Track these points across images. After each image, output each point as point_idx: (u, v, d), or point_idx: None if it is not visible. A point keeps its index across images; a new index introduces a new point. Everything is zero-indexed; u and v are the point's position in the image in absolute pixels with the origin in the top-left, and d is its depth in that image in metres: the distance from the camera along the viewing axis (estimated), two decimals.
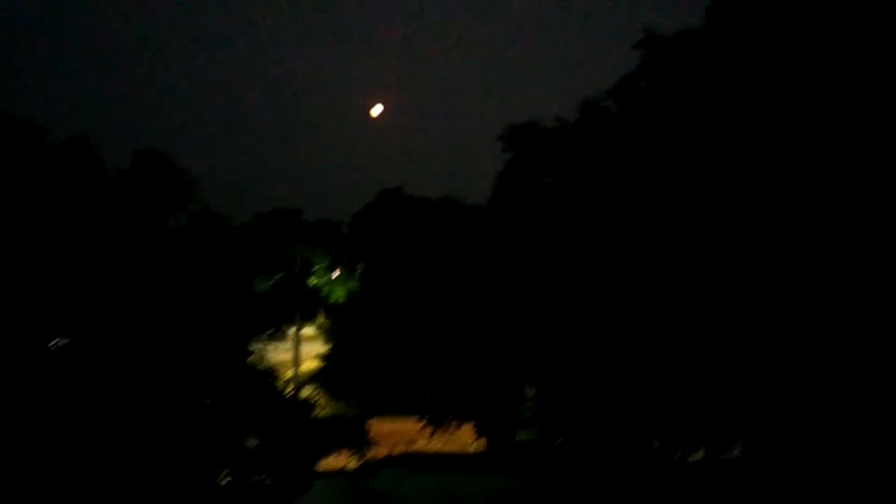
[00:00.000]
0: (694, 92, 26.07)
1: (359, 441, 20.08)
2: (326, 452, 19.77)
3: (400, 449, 37.59)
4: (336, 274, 74.91)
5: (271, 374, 21.66)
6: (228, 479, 20.01)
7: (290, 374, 49.36)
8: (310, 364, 63.63)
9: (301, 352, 64.40)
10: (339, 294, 72.35)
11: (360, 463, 32.15)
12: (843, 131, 21.97)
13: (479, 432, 32.60)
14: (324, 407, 26.71)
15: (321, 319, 73.40)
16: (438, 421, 33.69)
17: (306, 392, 27.27)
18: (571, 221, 27.98)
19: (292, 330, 63.92)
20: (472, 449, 38.17)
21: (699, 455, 22.57)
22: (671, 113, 27.25)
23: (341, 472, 32.55)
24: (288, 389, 23.84)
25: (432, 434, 34.70)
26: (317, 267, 72.29)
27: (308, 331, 71.49)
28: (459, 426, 34.66)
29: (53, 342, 20.03)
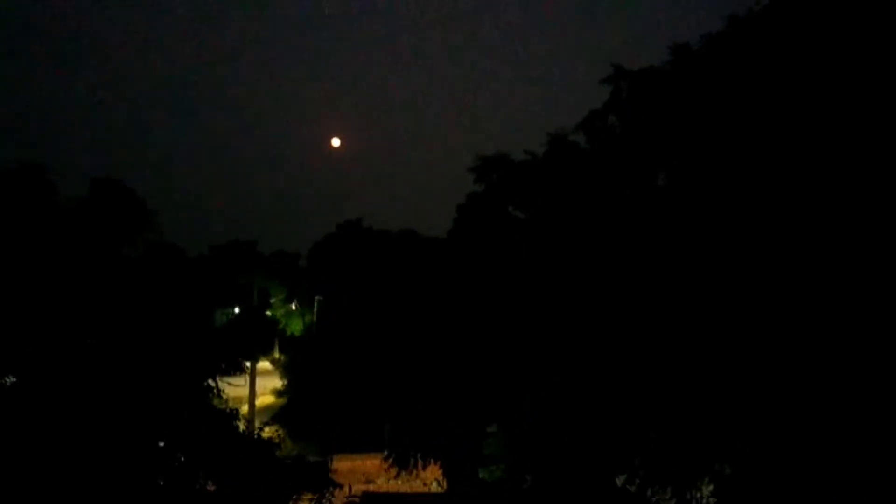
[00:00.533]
0: (659, 128, 26.10)
1: (323, 483, 19.08)
2: (290, 496, 18.74)
3: (359, 488, 36.50)
4: (293, 306, 73.79)
5: (231, 413, 20.58)
6: None
7: (245, 409, 47.81)
8: (266, 399, 61.99)
9: (256, 386, 62.68)
10: (296, 327, 71.25)
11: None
12: (802, 170, 22.19)
13: (445, 471, 31.98)
14: (285, 447, 25.63)
15: (277, 353, 71.93)
16: (403, 461, 32.95)
17: (267, 432, 26.15)
18: (539, 253, 27.70)
19: (248, 363, 62.25)
20: (433, 488, 37.36)
21: (668, 496, 21.95)
22: (637, 148, 27.20)
23: None
24: (247, 429, 22.79)
25: (397, 475, 33.94)
26: (274, 299, 71.18)
27: (264, 364, 69.85)
28: (424, 466, 33.98)
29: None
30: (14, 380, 18.86)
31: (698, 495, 21.79)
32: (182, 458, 19.69)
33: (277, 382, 63.01)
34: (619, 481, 23.49)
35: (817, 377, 18.85)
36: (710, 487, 21.32)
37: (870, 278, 18.58)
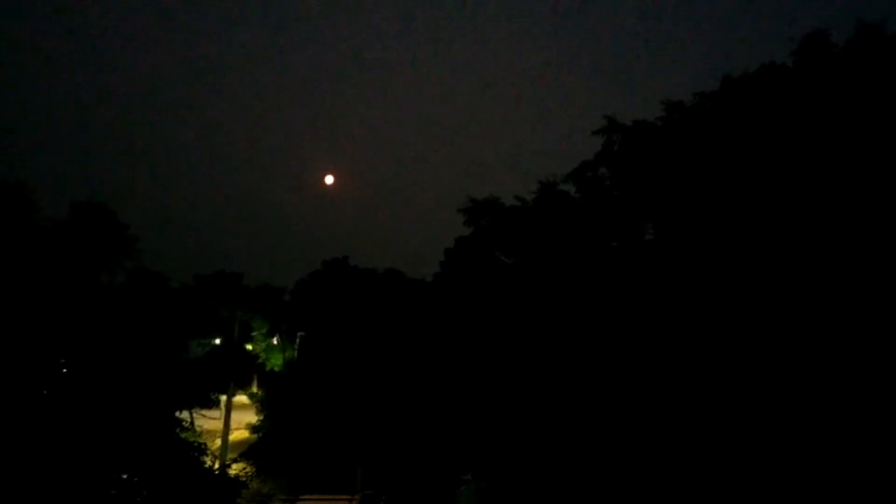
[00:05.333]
0: (650, 181, 25.96)
1: None
2: None
3: None
4: (275, 341, 72.76)
5: (199, 447, 19.72)
6: None
7: (218, 443, 46.50)
8: (240, 434, 60.48)
9: (231, 420, 61.25)
10: (276, 361, 70.16)
11: None
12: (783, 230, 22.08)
13: None
14: (252, 484, 24.67)
15: (255, 388, 70.57)
16: None
17: (235, 468, 25.19)
18: (524, 302, 27.33)
19: (224, 398, 60.94)
20: None
21: None
22: (627, 200, 27.06)
23: None
24: (216, 464, 21.88)
25: None
26: (256, 332, 70.22)
27: (241, 398, 68.40)
28: None
29: None
30: None
31: None
32: (144, 492, 18.77)
33: (254, 417, 61.52)
34: None
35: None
36: None
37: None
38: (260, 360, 67.90)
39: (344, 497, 37.81)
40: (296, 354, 63.01)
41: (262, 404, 61.39)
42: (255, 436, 55.98)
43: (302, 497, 37.01)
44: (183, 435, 21.52)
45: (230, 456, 41.87)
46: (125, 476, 19.58)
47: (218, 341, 64.44)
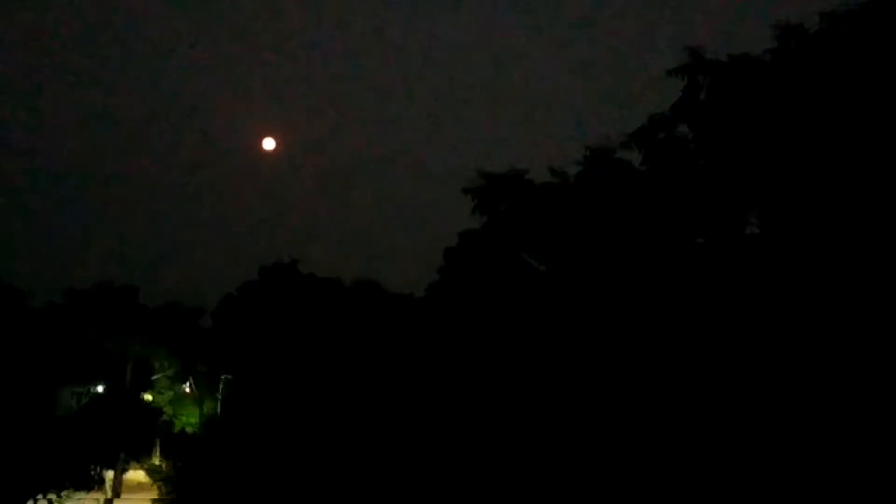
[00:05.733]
0: (755, 147, 25.81)
1: None
2: None
3: None
4: (187, 387, 72.47)
5: None
6: None
7: None
8: None
9: None
10: (189, 419, 70.05)
11: None
12: None
13: None
14: None
15: (156, 459, 70.49)
16: None
17: None
18: (566, 331, 27.59)
19: (110, 474, 60.91)
20: None
21: None
22: (720, 173, 26.81)
23: None
24: None
25: None
26: (158, 375, 69.90)
27: (136, 475, 68.38)
28: None
29: None
30: None
31: None
32: None
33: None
34: None
35: None
36: None
37: None
38: (165, 417, 67.73)
39: None
40: (219, 408, 62.56)
41: (167, 484, 61.34)
42: None
43: None
44: None
45: None
46: None
47: (102, 388, 64.23)
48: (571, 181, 30.00)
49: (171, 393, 69.28)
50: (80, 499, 50.16)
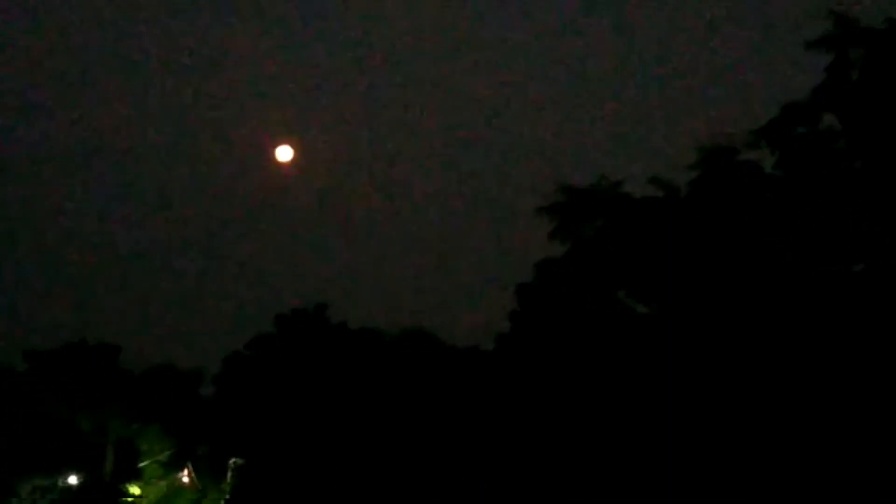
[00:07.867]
0: None
1: None
2: None
3: None
4: (185, 476, 67.62)
5: None
6: None
7: None
8: None
9: None
10: None
11: None
12: None
13: None
14: None
15: None
16: None
17: None
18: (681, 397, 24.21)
19: None
20: None
21: None
22: (880, 178, 23.27)
23: None
24: None
25: None
26: (147, 461, 65.31)
27: None
28: None
29: None
30: None
31: None
32: None
33: None
34: None
35: None
36: None
37: None
38: None
39: None
40: (226, 502, 59.72)
41: None
42: None
43: None
44: None
45: None
46: None
47: (74, 480, 59.63)
48: (682, 193, 27.00)
49: (164, 484, 64.71)
50: None
